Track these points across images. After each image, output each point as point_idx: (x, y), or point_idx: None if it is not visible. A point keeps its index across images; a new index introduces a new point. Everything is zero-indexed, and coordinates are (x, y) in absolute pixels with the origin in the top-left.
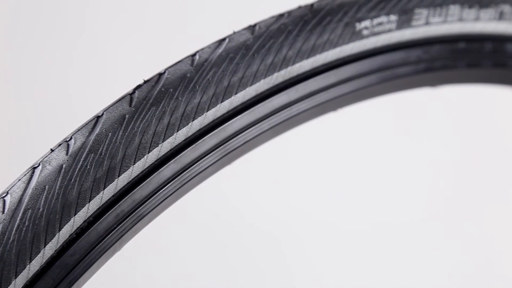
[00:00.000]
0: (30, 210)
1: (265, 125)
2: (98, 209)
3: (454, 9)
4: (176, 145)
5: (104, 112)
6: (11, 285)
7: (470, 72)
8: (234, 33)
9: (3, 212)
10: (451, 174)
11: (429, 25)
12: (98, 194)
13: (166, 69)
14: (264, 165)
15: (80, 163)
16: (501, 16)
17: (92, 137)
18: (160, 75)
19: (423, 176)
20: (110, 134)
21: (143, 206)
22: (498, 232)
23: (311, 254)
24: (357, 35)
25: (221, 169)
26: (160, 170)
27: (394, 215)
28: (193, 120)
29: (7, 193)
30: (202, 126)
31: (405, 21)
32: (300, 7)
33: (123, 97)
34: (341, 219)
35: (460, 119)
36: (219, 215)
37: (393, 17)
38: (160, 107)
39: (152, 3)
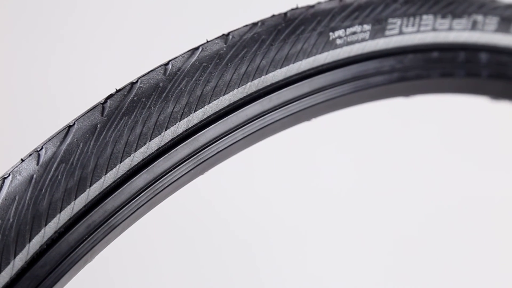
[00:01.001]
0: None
1: (238, 134)
2: (69, 219)
3: (427, 19)
4: (149, 155)
5: (76, 122)
6: None
7: (444, 81)
8: (207, 42)
9: None
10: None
11: (403, 35)
12: (69, 204)
13: (139, 78)
14: (248, 167)
15: (51, 173)
16: (474, 26)
17: (63, 147)
18: (132, 84)
19: (413, 177)
20: (81, 144)
21: (115, 216)
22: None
23: (297, 259)
24: (331, 45)
25: (194, 179)
26: (132, 180)
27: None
28: (165, 130)
29: None
30: (174, 136)
31: (378, 31)
32: (273, 16)
33: (94, 107)
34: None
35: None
36: (203, 219)
37: (366, 27)
38: (133, 116)
39: (137, 5)
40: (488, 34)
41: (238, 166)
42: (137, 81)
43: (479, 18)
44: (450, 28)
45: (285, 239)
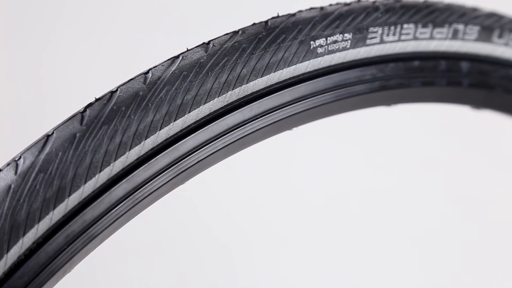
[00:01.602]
0: None
1: (219, 144)
2: (48, 230)
3: (408, 28)
4: (128, 164)
5: (55, 131)
6: None
7: (425, 90)
8: (188, 50)
9: None
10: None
11: (384, 44)
12: (47, 214)
13: (118, 87)
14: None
15: (29, 183)
16: (454, 35)
17: (42, 156)
18: (112, 93)
19: (403, 180)
20: (60, 153)
21: (94, 226)
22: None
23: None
24: (312, 53)
25: (175, 188)
26: (112, 189)
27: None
28: (145, 139)
29: None
30: (154, 145)
31: (359, 40)
32: (254, 25)
33: (73, 116)
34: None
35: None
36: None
37: (347, 36)
38: (112, 125)
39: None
40: (469, 43)
41: (224, 171)
42: (116, 90)
43: (460, 27)
44: (431, 37)
45: (269, 243)
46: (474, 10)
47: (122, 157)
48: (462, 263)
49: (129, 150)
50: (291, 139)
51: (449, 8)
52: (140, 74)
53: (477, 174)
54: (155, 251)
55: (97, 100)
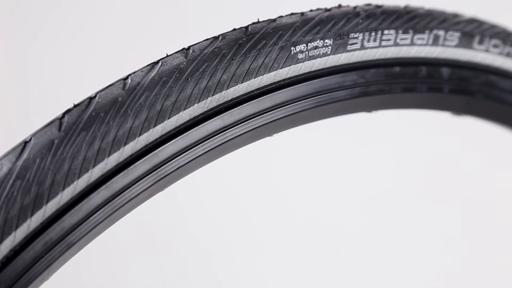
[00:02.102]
0: None
1: (199, 150)
2: (25, 237)
3: (389, 34)
4: (107, 171)
5: (32, 137)
6: None
7: (406, 96)
8: (167, 56)
9: None
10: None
11: (364, 50)
12: (25, 222)
13: (97, 93)
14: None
15: (6, 190)
16: (435, 41)
17: (19, 163)
18: (90, 99)
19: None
20: (38, 160)
21: (72, 233)
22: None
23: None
24: (293, 59)
25: (154, 195)
26: (91, 196)
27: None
28: (124, 145)
29: None
30: (134, 151)
31: (340, 45)
32: (234, 30)
33: (52, 122)
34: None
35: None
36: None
37: (328, 41)
38: (91, 132)
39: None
40: (450, 49)
41: (212, 174)
42: (95, 95)
43: (441, 33)
44: (412, 43)
45: (254, 247)
46: (455, 16)
47: (101, 163)
48: (460, 263)
49: (108, 156)
50: (280, 142)
51: (430, 14)
52: (119, 80)
53: (476, 174)
54: (139, 253)
55: (75, 106)
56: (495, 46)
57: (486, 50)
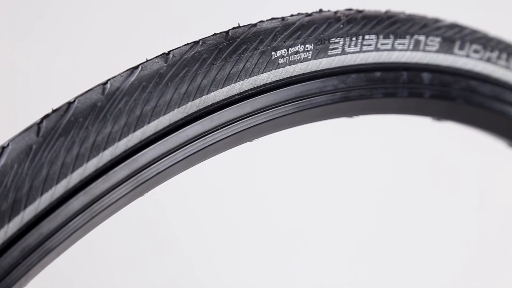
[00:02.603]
0: None
1: (179, 155)
2: (3, 243)
3: (369, 39)
4: (86, 177)
5: (10, 143)
6: None
7: (387, 102)
8: (147, 61)
9: None
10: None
11: (345, 55)
12: (2, 228)
13: (76, 98)
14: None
15: None
16: (416, 46)
17: None
18: (69, 104)
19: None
20: (16, 165)
21: (50, 239)
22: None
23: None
24: (273, 64)
25: (133, 200)
26: (69, 202)
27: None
28: (103, 151)
29: None
30: (113, 157)
31: (321, 50)
32: (215, 35)
33: (30, 127)
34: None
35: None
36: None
37: (309, 46)
38: (69, 137)
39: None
40: (431, 54)
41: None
42: (74, 100)
43: (421, 38)
44: (393, 48)
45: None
46: (436, 21)
47: (80, 169)
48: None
49: (87, 162)
50: (268, 143)
51: (411, 20)
52: (99, 85)
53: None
54: (120, 258)
55: (54, 111)
56: (476, 51)
57: (467, 56)
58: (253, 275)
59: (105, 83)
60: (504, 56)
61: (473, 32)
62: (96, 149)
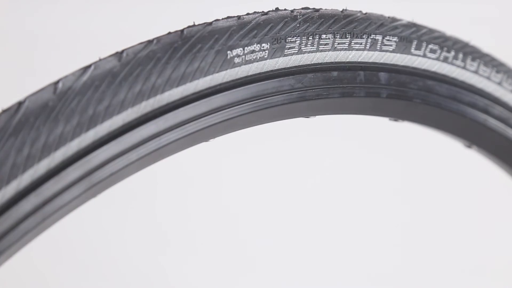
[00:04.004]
0: None
1: (133, 156)
2: None
3: (326, 38)
4: (37, 178)
5: None
6: None
7: (344, 101)
8: (100, 60)
9: None
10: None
11: (302, 54)
12: None
13: (27, 97)
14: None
15: None
16: (373, 46)
17: None
18: (20, 104)
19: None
20: None
21: (0, 242)
22: None
23: None
24: (229, 63)
25: (86, 202)
26: (19, 204)
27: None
28: (55, 151)
29: None
30: (65, 158)
31: (277, 50)
32: (170, 33)
33: None
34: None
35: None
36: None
37: (265, 45)
38: (20, 137)
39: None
40: (387, 54)
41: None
42: (25, 100)
43: (378, 38)
44: (350, 48)
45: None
46: (393, 21)
47: (30, 170)
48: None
49: (38, 162)
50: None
51: (368, 19)
52: (50, 84)
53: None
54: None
55: (4, 111)
56: (432, 51)
57: (423, 55)
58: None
59: (57, 82)
60: (460, 56)
61: (430, 31)
62: (47, 150)
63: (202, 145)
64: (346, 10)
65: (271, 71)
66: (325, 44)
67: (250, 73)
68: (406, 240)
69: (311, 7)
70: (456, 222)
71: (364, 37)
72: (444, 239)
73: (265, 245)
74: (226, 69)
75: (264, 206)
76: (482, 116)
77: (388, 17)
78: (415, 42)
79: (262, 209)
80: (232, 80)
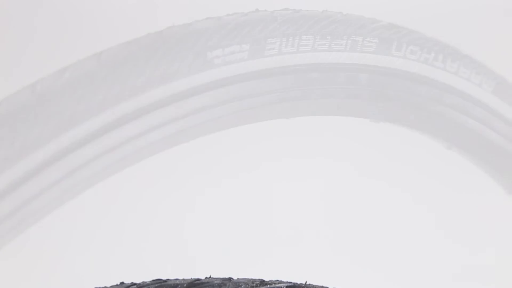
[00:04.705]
0: None
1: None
2: None
3: (306, 39)
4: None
5: None
6: None
7: (324, 103)
8: (79, 61)
9: None
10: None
11: (282, 55)
12: None
13: (4, 99)
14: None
15: None
16: (353, 47)
17: None
18: None
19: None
20: None
21: None
22: None
23: None
24: (209, 64)
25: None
26: None
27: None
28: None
29: None
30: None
31: (257, 51)
32: (149, 35)
33: None
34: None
35: None
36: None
37: (245, 46)
38: None
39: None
40: (368, 55)
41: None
42: (2, 102)
43: (358, 39)
44: (330, 49)
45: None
46: (373, 22)
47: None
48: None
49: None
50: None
51: (348, 20)
52: (28, 86)
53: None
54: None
55: None
56: (412, 52)
57: (404, 57)
58: None
59: (35, 84)
60: (440, 57)
61: (410, 33)
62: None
63: (193, 147)
64: (326, 11)
65: (251, 72)
66: (306, 45)
67: (230, 74)
68: (406, 240)
69: (291, 8)
70: (451, 224)
71: (344, 38)
72: (442, 239)
73: (265, 245)
74: (206, 70)
75: (264, 206)
76: (462, 117)
77: (369, 19)
78: (395, 43)
79: (262, 209)
80: (212, 81)
